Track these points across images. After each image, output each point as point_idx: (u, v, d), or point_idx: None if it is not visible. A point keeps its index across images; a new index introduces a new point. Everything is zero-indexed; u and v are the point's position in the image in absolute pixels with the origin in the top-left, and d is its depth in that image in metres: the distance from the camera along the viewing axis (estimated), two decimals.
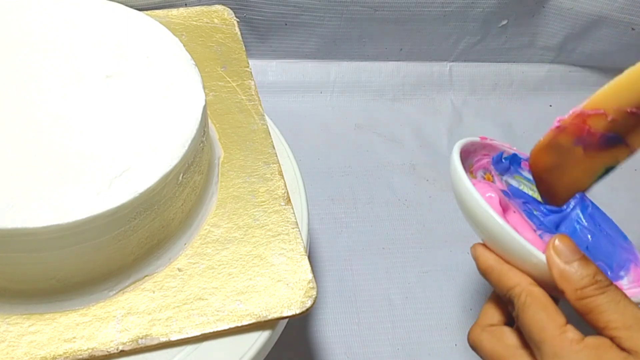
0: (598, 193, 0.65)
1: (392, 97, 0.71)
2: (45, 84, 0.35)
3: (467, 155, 0.44)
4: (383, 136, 0.67)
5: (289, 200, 0.39)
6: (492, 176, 0.46)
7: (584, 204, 0.46)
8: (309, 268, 0.36)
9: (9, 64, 0.36)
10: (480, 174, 0.46)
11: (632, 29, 0.68)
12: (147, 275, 0.35)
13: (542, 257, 0.34)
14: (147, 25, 0.40)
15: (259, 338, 0.34)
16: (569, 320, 0.33)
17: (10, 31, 0.38)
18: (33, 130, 0.33)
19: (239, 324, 0.33)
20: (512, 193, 0.46)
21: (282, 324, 0.36)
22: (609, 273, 0.41)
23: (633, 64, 0.73)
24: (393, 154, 0.66)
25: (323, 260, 0.56)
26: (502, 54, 0.72)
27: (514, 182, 0.47)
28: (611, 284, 0.33)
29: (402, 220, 0.60)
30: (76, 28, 0.39)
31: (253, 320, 0.33)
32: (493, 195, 0.41)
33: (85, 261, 0.32)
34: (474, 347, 0.36)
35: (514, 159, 0.47)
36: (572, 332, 0.32)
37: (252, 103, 0.43)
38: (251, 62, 0.46)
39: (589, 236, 0.44)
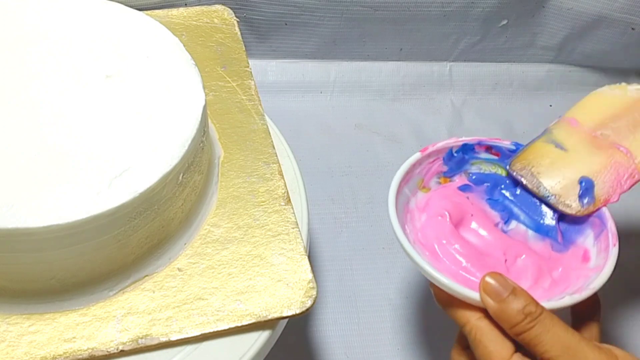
0: None
1: (392, 97, 0.71)
2: (45, 84, 0.35)
3: (412, 175, 0.45)
4: (383, 136, 0.67)
5: (289, 200, 0.39)
6: (449, 178, 0.47)
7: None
8: (309, 268, 0.36)
9: (8, 64, 0.36)
10: (434, 181, 0.46)
11: (632, 28, 0.68)
12: (147, 275, 0.35)
13: (477, 295, 0.36)
14: (147, 25, 0.40)
15: (259, 338, 0.34)
16: None
17: (10, 31, 0.38)
18: (33, 130, 0.33)
19: (239, 324, 0.33)
20: (474, 182, 0.46)
21: (282, 324, 0.36)
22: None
23: (633, 63, 0.74)
24: (393, 154, 0.66)
25: (323, 260, 0.56)
26: (502, 54, 0.72)
27: (474, 169, 0.47)
28: (542, 312, 0.35)
29: None
30: (76, 28, 0.39)
31: (253, 320, 0.33)
32: (446, 213, 0.43)
33: (85, 261, 0.32)
34: None
35: (465, 148, 0.47)
36: None
37: (252, 103, 0.43)
38: (251, 62, 0.46)
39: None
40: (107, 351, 0.32)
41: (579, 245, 0.43)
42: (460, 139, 0.46)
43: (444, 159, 0.46)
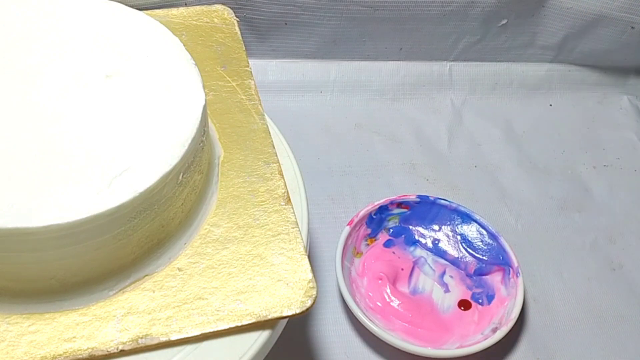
0: (598, 194, 0.66)
1: (392, 97, 0.71)
2: (44, 84, 0.35)
3: (347, 247, 0.53)
4: (383, 136, 0.67)
5: (289, 199, 0.39)
6: (374, 238, 0.56)
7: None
8: (309, 268, 0.36)
9: (8, 63, 0.36)
10: (364, 244, 0.55)
11: (632, 27, 0.68)
12: (147, 275, 0.35)
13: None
14: (147, 25, 0.40)
15: (259, 338, 0.34)
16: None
17: (10, 31, 0.38)
18: (33, 130, 0.33)
19: (239, 324, 0.33)
20: (394, 235, 0.56)
21: (282, 324, 0.36)
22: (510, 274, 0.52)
23: (633, 62, 0.75)
24: (393, 154, 0.66)
25: (323, 260, 0.56)
26: (502, 53, 0.72)
27: (391, 224, 0.56)
28: None
29: None
30: (76, 27, 0.39)
31: (253, 320, 0.33)
32: (383, 275, 0.52)
33: (85, 261, 0.32)
34: None
35: (382, 209, 0.55)
36: None
37: (252, 102, 0.43)
38: (251, 61, 0.46)
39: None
40: (107, 351, 0.32)
41: (492, 280, 0.53)
42: (376, 203, 0.55)
43: (366, 223, 0.55)
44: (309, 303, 0.34)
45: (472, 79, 0.72)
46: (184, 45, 0.39)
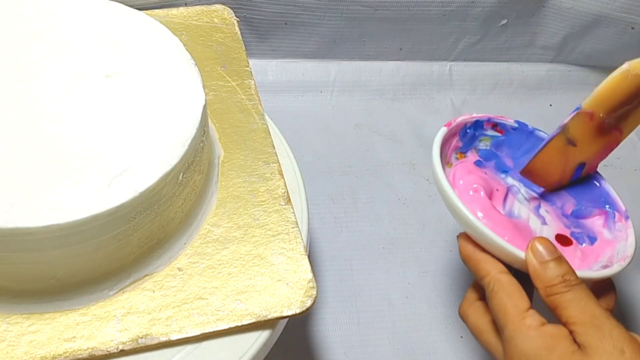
0: None
1: (392, 97, 0.71)
2: (45, 84, 0.35)
3: (442, 150, 0.46)
4: (383, 136, 0.67)
5: (289, 199, 0.39)
6: (464, 154, 0.49)
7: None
8: (309, 267, 0.36)
9: (8, 63, 0.36)
10: (454, 157, 0.48)
11: (632, 28, 0.68)
12: (147, 275, 0.35)
13: (517, 253, 0.38)
14: (147, 25, 0.40)
15: (259, 338, 0.34)
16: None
17: (10, 31, 0.38)
18: (33, 130, 0.33)
19: (239, 324, 0.33)
20: (483, 158, 0.49)
21: (282, 324, 0.36)
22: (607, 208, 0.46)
23: None
24: (393, 154, 0.66)
25: (323, 260, 0.56)
26: (502, 53, 0.72)
27: (482, 146, 0.50)
28: (579, 283, 0.36)
29: (402, 220, 0.60)
30: (76, 27, 0.39)
31: (253, 320, 0.34)
32: (479, 187, 0.45)
33: (85, 261, 0.32)
34: (463, 319, 0.41)
35: (477, 125, 0.49)
36: (531, 318, 0.36)
37: (252, 102, 0.43)
38: (251, 61, 0.46)
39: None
40: (107, 351, 0.32)
41: (592, 224, 0.46)
42: (473, 116, 0.49)
43: (459, 135, 0.48)
44: (309, 303, 0.34)
45: (472, 79, 0.72)
46: (184, 45, 0.39)
